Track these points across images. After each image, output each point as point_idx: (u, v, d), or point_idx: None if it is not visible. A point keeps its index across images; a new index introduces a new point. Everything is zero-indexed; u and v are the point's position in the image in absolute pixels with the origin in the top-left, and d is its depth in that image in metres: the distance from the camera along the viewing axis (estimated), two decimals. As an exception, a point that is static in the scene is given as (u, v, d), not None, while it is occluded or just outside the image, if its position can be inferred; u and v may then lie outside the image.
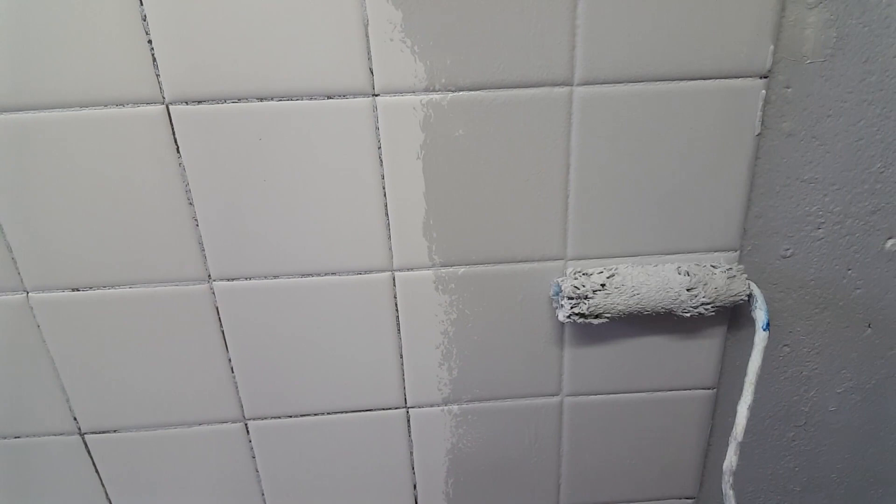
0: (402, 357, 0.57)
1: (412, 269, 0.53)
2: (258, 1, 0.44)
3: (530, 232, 0.52)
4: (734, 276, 0.51)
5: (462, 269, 0.53)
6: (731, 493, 0.51)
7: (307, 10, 0.44)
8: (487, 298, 0.55)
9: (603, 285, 0.49)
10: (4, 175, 0.48)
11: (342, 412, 0.59)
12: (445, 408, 0.59)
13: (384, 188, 0.50)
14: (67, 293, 0.52)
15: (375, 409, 0.59)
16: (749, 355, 0.52)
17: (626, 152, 0.50)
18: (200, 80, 0.46)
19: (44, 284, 0.52)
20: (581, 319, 0.50)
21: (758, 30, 0.46)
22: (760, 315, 0.51)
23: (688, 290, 0.49)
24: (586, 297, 0.50)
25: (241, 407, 0.58)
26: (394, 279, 0.53)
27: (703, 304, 0.50)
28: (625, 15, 0.45)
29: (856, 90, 0.49)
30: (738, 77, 0.48)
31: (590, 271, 0.51)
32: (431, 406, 0.59)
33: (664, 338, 0.57)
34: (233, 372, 0.56)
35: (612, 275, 0.50)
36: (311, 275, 0.53)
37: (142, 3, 0.43)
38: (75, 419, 0.57)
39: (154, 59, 0.45)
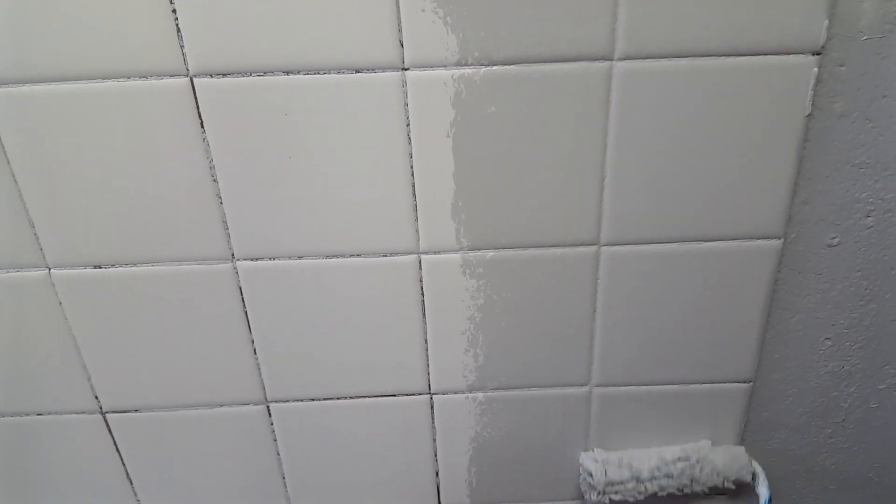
0: (426, 342, 0.55)
1: (439, 253, 0.52)
2: (286, -31, 0.42)
3: (563, 215, 0.50)
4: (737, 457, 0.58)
5: (490, 254, 0.52)
6: None
7: (337, -21, 0.42)
8: (516, 284, 0.53)
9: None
10: (26, 150, 0.47)
11: (365, 397, 0.57)
12: (470, 395, 0.58)
13: (412, 167, 0.48)
14: (89, 270, 0.51)
15: (399, 395, 0.58)
16: (790, 349, 0.50)
17: (667, 132, 0.47)
18: (226, 52, 0.44)
19: (66, 261, 0.51)
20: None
21: (811, 3, 0.43)
22: (763, 491, 0.58)
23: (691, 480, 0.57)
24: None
25: (264, 389, 0.57)
26: (420, 262, 0.52)
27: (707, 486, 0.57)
28: (671, -16, 0.43)
29: (916, 68, 0.46)
30: (789, 53, 0.45)
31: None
32: (456, 393, 0.58)
33: (699, 328, 0.55)
34: (255, 353, 0.55)
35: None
36: (336, 256, 0.51)
37: (167, -29, 0.42)
38: (96, 398, 0.57)
39: (178, 30, 0.44)
